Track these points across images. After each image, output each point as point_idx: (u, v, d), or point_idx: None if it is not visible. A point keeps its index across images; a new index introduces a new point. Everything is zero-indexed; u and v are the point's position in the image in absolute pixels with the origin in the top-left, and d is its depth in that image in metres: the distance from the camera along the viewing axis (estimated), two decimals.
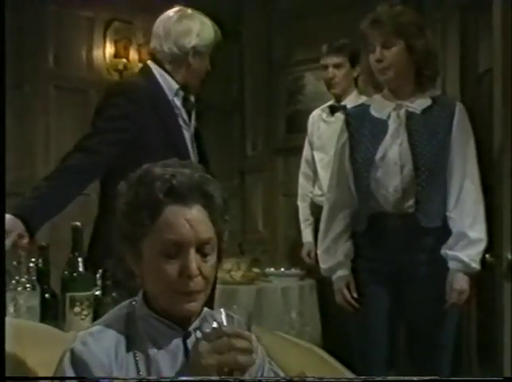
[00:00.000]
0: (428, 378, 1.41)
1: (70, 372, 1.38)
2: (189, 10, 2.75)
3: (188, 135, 2.69)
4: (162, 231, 1.41)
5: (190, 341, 1.46)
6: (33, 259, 2.26)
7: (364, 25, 2.61)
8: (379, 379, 1.45)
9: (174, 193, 1.41)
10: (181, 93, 2.69)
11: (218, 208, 1.46)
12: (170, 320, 1.44)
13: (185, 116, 2.71)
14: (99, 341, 1.41)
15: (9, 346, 1.61)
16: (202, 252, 1.43)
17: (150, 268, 1.43)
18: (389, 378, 1.55)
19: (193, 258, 1.41)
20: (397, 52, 2.58)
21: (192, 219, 1.41)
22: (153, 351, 1.43)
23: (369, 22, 2.60)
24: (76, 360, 1.38)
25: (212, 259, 1.45)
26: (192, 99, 2.74)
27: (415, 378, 1.40)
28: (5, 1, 1.77)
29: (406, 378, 1.45)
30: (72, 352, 1.40)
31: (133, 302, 1.49)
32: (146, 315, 1.46)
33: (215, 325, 1.35)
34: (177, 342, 1.45)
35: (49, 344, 1.61)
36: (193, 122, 2.74)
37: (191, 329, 1.47)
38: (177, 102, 2.68)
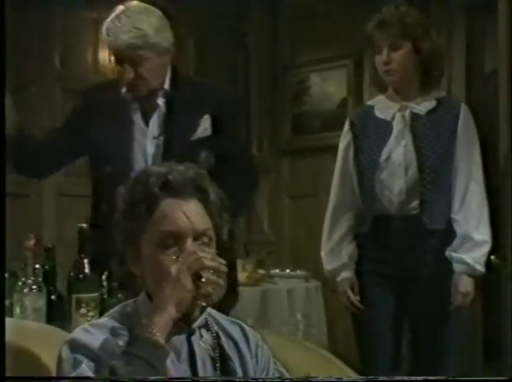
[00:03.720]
0: (431, 378, 1.41)
1: (70, 359, 1.38)
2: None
3: (141, 144, 2.43)
4: (159, 223, 1.44)
5: (194, 339, 1.47)
6: (39, 261, 2.27)
7: (370, 26, 2.61)
8: (383, 379, 1.45)
9: (169, 187, 1.45)
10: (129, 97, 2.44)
11: (213, 203, 1.48)
12: None
13: (141, 124, 2.45)
14: (103, 330, 1.42)
15: (23, 343, 1.62)
16: (199, 244, 1.44)
17: (149, 264, 1.45)
18: (393, 378, 1.55)
19: (190, 248, 1.42)
20: (405, 54, 2.57)
21: (188, 211, 1.44)
22: None
23: (375, 24, 2.60)
24: (78, 346, 1.39)
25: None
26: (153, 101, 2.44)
27: (419, 378, 1.40)
28: (5, 2, 1.77)
29: (410, 378, 1.46)
30: (71, 340, 1.40)
31: (137, 301, 1.50)
32: (150, 311, 1.46)
33: None
34: (181, 339, 1.46)
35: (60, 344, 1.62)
36: (155, 127, 2.44)
37: (195, 326, 1.48)
38: (132, 106, 2.45)
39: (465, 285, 2.54)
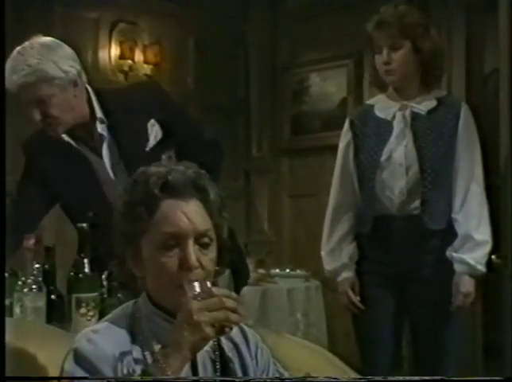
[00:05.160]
0: (429, 378, 1.41)
1: (76, 372, 1.38)
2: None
3: (106, 177, 2.37)
4: (160, 224, 1.42)
5: None
6: (39, 260, 2.27)
7: (370, 26, 2.60)
8: (383, 379, 1.45)
9: (170, 188, 1.43)
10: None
11: (213, 202, 1.47)
12: (175, 317, 1.44)
13: (95, 159, 2.37)
14: (106, 337, 1.41)
15: (19, 343, 1.62)
16: (201, 244, 1.44)
17: (150, 265, 1.44)
18: (393, 378, 1.54)
19: (192, 250, 1.42)
20: (405, 54, 2.57)
21: (189, 212, 1.43)
22: (157, 348, 1.42)
23: (374, 24, 2.59)
24: (81, 359, 1.38)
25: (212, 252, 1.46)
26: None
27: (418, 378, 1.40)
28: (5, 2, 1.77)
29: (409, 378, 1.46)
30: (76, 351, 1.39)
31: (137, 302, 1.50)
32: (151, 313, 1.46)
33: (197, 289, 1.37)
34: None
35: (59, 344, 1.62)
36: (109, 156, 2.36)
37: None
38: (78, 146, 2.38)
39: (466, 285, 2.54)
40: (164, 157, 2.31)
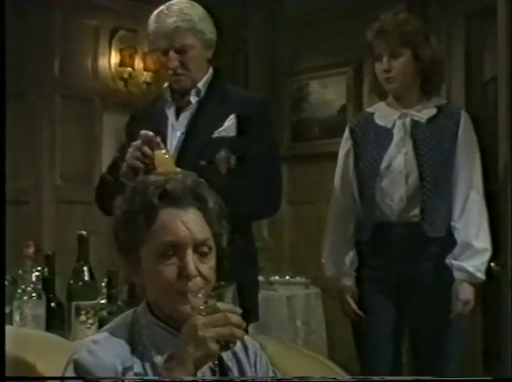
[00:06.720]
0: (426, 378, 1.41)
1: None
2: None
3: (170, 139, 2.41)
4: (159, 234, 1.43)
5: None
6: (39, 268, 2.27)
7: (370, 34, 2.61)
8: (378, 379, 1.45)
9: (168, 197, 1.44)
10: (168, 93, 2.48)
11: (213, 210, 1.48)
12: (174, 327, 1.44)
13: (172, 118, 2.45)
14: (106, 348, 1.41)
15: (18, 352, 1.62)
16: (199, 253, 1.44)
17: (149, 274, 1.44)
18: (388, 378, 1.55)
19: (191, 258, 1.42)
20: (405, 62, 2.58)
21: (188, 221, 1.43)
22: (157, 358, 1.42)
23: (374, 32, 2.60)
24: (81, 370, 1.37)
25: (211, 261, 1.46)
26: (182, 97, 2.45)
27: (414, 378, 1.40)
28: (5, 8, 1.77)
29: (406, 378, 1.46)
30: (76, 361, 1.39)
31: (137, 312, 1.50)
32: (150, 323, 1.46)
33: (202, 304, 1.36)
34: None
35: (58, 352, 1.61)
36: (184, 123, 2.43)
37: None
38: (168, 102, 2.48)
39: (465, 293, 2.54)
40: (222, 152, 2.33)
